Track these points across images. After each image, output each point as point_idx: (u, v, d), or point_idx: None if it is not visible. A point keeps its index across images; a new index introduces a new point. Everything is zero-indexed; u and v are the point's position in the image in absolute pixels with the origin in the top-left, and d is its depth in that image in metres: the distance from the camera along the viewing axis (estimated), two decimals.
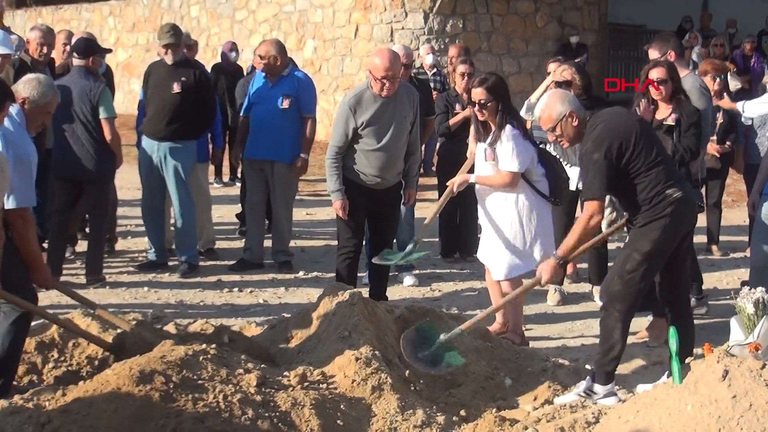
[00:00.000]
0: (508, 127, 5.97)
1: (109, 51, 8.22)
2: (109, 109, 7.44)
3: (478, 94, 6.01)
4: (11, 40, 7.04)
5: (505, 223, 6.07)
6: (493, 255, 6.16)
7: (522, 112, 7.29)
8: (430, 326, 5.24)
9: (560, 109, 5.09)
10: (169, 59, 7.79)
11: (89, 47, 7.60)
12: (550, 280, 5.21)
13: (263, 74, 8.09)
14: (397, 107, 6.39)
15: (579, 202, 6.96)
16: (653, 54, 6.81)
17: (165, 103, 7.78)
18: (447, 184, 6.41)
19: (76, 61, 7.46)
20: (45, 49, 7.91)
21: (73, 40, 8.13)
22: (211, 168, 10.28)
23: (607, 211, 5.40)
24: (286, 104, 7.88)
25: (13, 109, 5.00)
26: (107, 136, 7.41)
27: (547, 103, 5.17)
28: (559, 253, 5.11)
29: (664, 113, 6.36)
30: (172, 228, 8.52)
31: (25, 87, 5.25)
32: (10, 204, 4.80)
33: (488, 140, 6.04)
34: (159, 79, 7.85)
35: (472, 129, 6.35)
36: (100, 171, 7.49)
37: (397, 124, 6.39)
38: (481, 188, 6.16)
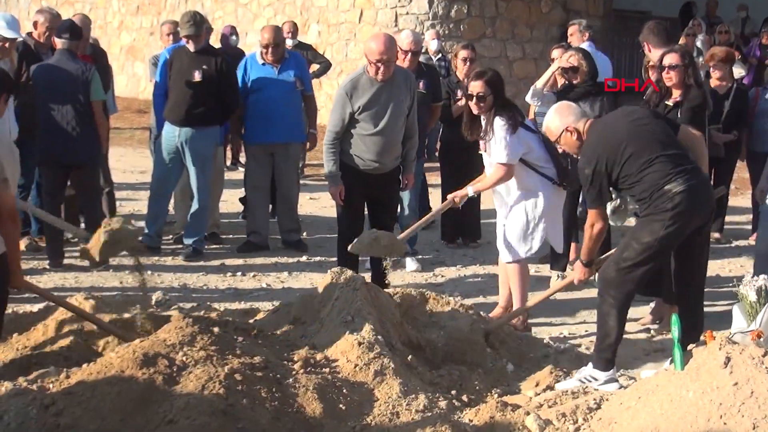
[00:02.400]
0: (497, 119, 6.01)
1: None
2: (100, 91, 7.49)
3: (477, 87, 6.08)
4: (19, 25, 7.02)
5: (514, 208, 6.17)
6: (500, 238, 6.25)
7: (527, 98, 7.30)
8: None
9: (557, 124, 5.27)
10: (191, 47, 7.86)
11: (79, 30, 7.58)
12: (581, 282, 5.44)
13: (263, 59, 8.14)
14: (394, 91, 6.38)
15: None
16: (656, 53, 6.68)
17: (187, 91, 7.83)
18: (447, 197, 6.49)
19: (62, 43, 7.39)
20: (51, 34, 7.90)
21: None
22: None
23: (612, 195, 5.43)
24: (299, 85, 8.21)
25: None
26: (99, 118, 7.44)
27: (549, 118, 5.35)
28: (582, 258, 5.33)
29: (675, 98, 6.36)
30: (171, 212, 8.54)
31: None
32: None
33: (482, 133, 6.14)
34: (181, 67, 7.90)
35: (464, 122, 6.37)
36: (89, 155, 7.45)
37: (394, 108, 6.38)
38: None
